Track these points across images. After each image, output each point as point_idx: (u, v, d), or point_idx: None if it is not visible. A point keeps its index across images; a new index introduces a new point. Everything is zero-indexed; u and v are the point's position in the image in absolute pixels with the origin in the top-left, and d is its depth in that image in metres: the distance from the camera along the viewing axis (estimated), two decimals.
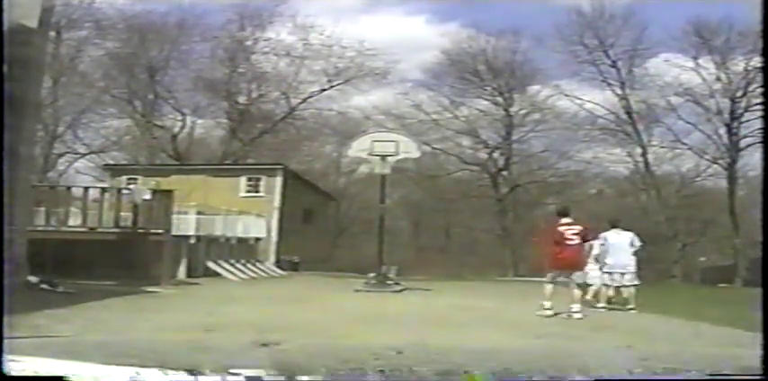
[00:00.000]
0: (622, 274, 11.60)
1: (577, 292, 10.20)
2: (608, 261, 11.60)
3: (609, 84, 36.12)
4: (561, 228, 10.27)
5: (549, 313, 10.03)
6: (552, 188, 39.11)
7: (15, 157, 10.13)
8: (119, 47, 35.20)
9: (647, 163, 35.84)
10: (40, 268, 12.00)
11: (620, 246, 11.60)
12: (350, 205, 40.50)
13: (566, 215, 10.64)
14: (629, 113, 35.71)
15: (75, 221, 15.85)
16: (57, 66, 30.30)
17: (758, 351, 1.86)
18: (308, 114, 37.40)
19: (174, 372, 1.49)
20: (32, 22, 10.44)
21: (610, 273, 11.62)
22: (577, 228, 10.29)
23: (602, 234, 11.70)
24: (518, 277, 31.38)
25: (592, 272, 11.52)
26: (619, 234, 11.76)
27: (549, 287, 10.21)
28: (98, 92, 34.11)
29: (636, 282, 11.74)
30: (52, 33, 25.89)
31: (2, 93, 7.53)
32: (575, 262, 10.21)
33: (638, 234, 12.21)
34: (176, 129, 36.78)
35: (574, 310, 9.93)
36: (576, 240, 10.20)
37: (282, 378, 1.67)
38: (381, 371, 1.83)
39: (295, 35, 35.70)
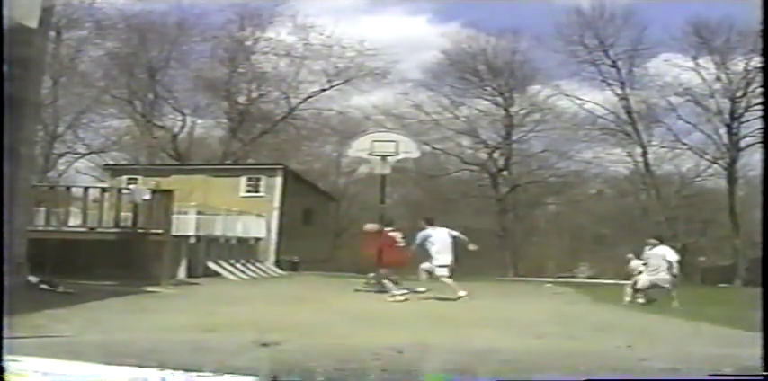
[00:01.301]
0: (444, 267, 12.67)
1: (449, 280, 12.31)
2: (436, 255, 12.62)
3: (609, 84, 36.19)
4: (392, 234, 12.64)
5: (400, 298, 11.93)
6: (552, 188, 39.13)
7: (15, 157, 10.14)
8: (119, 47, 35.22)
9: (647, 164, 35.86)
10: (40, 268, 12.00)
11: (445, 242, 12.73)
12: (350, 205, 40.47)
13: (391, 224, 13.07)
14: (629, 113, 35.74)
15: (75, 221, 15.85)
16: (57, 66, 30.32)
17: (758, 351, 1.86)
18: (307, 114, 37.43)
19: (173, 372, 1.49)
20: (32, 22, 10.44)
21: (439, 267, 12.60)
22: (401, 234, 12.64)
23: (425, 232, 12.81)
24: (518, 277, 31.40)
25: (641, 276, 13.29)
26: (435, 229, 12.98)
27: (386, 282, 12.41)
28: (98, 92, 34.12)
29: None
30: (52, 33, 25.89)
31: (2, 93, 7.53)
32: (402, 261, 12.57)
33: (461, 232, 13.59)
34: (176, 129, 36.85)
35: (461, 294, 12.01)
36: (402, 243, 12.58)
37: (282, 378, 1.67)
38: (382, 371, 1.83)
39: (295, 35, 35.76)
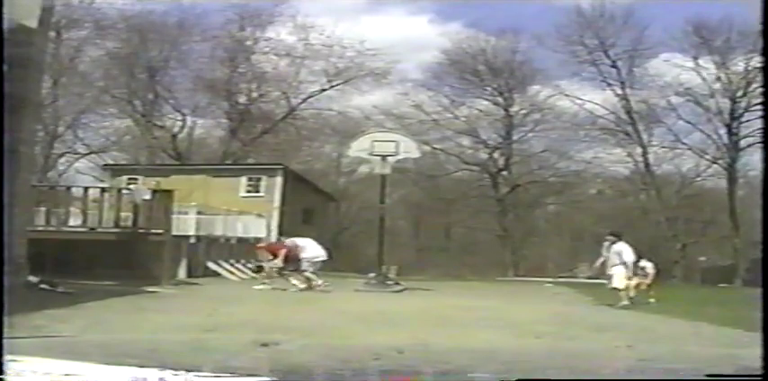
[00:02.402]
0: (317, 262, 15.85)
1: (311, 276, 15.41)
2: (307, 255, 15.70)
3: (609, 84, 36.23)
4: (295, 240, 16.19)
5: (302, 287, 15.06)
6: (552, 188, 39.14)
7: (15, 157, 10.13)
8: (119, 47, 35.22)
9: (647, 164, 35.88)
10: (40, 268, 11.99)
11: (311, 244, 16.10)
12: (350, 205, 40.48)
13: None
14: (629, 113, 35.76)
15: (75, 221, 15.85)
16: (57, 66, 30.31)
17: (758, 351, 1.86)
18: (308, 114, 37.45)
19: (173, 372, 1.49)
20: (32, 22, 10.43)
21: (312, 263, 15.71)
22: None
23: (293, 240, 16.31)
24: (518, 277, 31.40)
25: (617, 275, 12.75)
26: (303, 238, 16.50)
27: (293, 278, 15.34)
28: (98, 92, 34.13)
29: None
30: (52, 33, 25.88)
31: (2, 93, 7.53)
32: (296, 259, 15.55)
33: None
34: (176, 129, 36.85)
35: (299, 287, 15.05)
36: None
37: (282, 379, 1.67)
38: (382, 371, 1.82)
39: (295, 35, 35.81)
